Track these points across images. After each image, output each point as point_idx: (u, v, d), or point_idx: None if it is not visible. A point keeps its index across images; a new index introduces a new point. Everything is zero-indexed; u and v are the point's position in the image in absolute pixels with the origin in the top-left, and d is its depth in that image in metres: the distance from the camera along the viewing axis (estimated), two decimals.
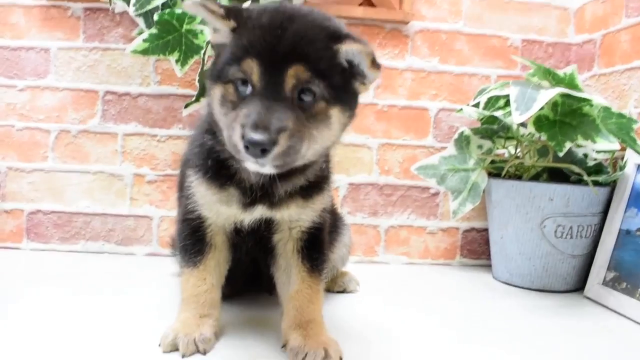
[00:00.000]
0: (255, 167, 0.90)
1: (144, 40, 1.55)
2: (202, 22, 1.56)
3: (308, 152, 0.93)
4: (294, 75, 0.90)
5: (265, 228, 1.12)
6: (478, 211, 1.92)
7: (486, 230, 1.97)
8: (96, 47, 1.84)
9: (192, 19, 1.54)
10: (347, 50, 0.91)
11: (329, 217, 1.17)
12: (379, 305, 1.45)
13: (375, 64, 0.92)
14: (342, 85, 0.94)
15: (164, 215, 1.87)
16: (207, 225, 1.13)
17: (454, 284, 1.75)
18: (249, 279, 1.32)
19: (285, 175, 1.01)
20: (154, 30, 1.54)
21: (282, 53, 0.89)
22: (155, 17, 1.53)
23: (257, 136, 0.85)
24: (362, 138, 1.91)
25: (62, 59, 1.84)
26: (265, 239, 1.14)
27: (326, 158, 1.09)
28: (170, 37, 1.55)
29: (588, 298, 1.61)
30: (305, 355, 1.02)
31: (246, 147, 0.86)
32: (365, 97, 1.90)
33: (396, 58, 1.92)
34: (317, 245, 1.14)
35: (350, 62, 0.93)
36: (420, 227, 1.96)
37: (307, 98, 0.91)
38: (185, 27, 1.55)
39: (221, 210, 1.09)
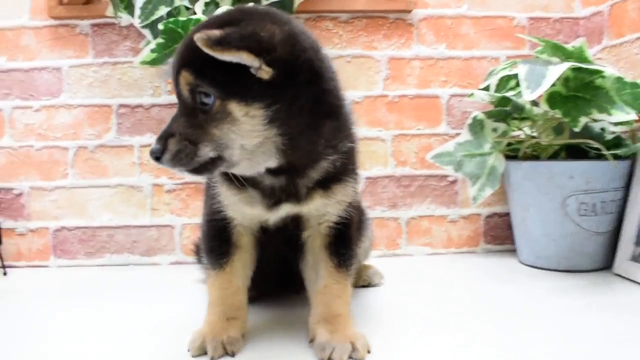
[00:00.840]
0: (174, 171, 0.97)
1: (152, 51, 1.57)
2: None
3: (226, 152, 0.93)
4: (183, 81, 0.93)
5: (293, 226, 1.12)
6: (498, 195, 1.90)
7: (508, 214, 1.95)
8: (106, 62, 1.87)
9: (197, 24, 1.55)
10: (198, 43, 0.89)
11: (355, 214, 1.16)
12: (405, 297, 1.44)
13: (212, 47, 0.87)
14: (235, 79, 0.90)
15: (186, 223, 1.89)
16: (232, 226, 1.13)
17: (479, 271, 1.73)
18: (276, 279, 1.32)
19: (295, 173, 1.02)
20: (160, 40, 1.56)
21: (175, 65, 0.96)
22: (160, 26, 1.55)
23: (153, 147, 0.94)
24: (375, 131, 1.91)
25: (74, 77, 1.87)
26: (293, 237, 1.14)
27: (340, 151, 1.05)
28: (177, 45, 1.57)
29: (618, 275, 1.58)
30: (333, 350, 1.02)
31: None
32: (374, 89, 1.90)
33: (402, 48, 1.91)
34: (345, 241, 1.14)
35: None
36: (441, 216, 1.95)
37: (206, 100, 0.92)
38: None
39: (245, 211, 1.10)
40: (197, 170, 0.95)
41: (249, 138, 0.93)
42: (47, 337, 1.22)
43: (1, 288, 1.65)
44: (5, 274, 1.79)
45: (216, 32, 0.88)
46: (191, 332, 1.10)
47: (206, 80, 0.91)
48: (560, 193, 1.62)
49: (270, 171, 1.01)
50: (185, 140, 0.93)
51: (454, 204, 1.95)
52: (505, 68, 1.60)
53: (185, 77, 0.93)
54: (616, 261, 1.61)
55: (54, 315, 1.37)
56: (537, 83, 1.35)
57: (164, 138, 0.94)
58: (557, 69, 1.36)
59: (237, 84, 0.90)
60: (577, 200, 1.61)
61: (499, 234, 1.98)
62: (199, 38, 0.87)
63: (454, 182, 1.95)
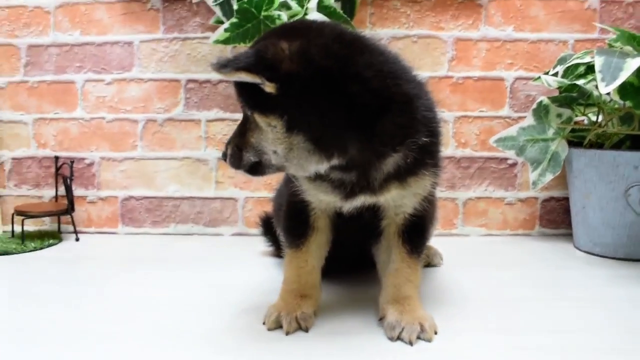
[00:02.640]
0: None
1: (226, 30, 1.61)
2: (280, 7, 1.60)
3: (263, 157, 1.04)
4: (237, 97, 1.07)
5: (369, 214, 1.15)
6: (557, 180, 1.89)
7: (565, 199, 1.95)
8: (176, 37, 1.91)
9: (270, 4, 1.58)
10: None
11: (430, 206, 1.19)
12: (463, 278, 1.48)
13: (219, 70, 0.96)
14: (255, 94, 0.98)
15: (248, 197, 1.96)
16: (310, 209, 1.19)
17: (535, 254, 1.75)
18: (349, 259, 1.37)
19: (362, 169, 1.06)
20: (234, 20, 1.59)
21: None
22: (235, 6, 1.57)
23: (222, 151, 1.11)
24: (440, 114, 1.91)
25: (144, 51, 1.92)
26: (369, 224, 1.18)
27: (410, 147, 1.06)
28: (250, 24, 1.60)
29: None
30: (402, 329, 1.07)
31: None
32: (439, 70, 1.91)
33: (470, 29, 1.89)
34: (418, 230, 1.18)
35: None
36: (499, 198, 1.97)
37: (248, 112, 1.04)
38: (263, 13, 1.59)
39: (321, 198, 1.15)
40: (250, 171, 1.07)
41: (275, 145, 1.00)
42: (114, 300, 1.30)
43: (74, 252, 1.75)
44: (77, 239, 1.89)
45: (226, 56, 1.03)
46: (258, 301, 1.18)
47: (242, 97, 1.03)
48: (623, 182, 1.61)
49: (336, 168, 1.05)
50: (235, 147, 1.06)
51: (512, 186, 1.96)
52: (578, 57, 1.58)
53: (236, 93, 1.06)
54: None
55: (121, 280, 1.46)
56: (614, 76, 1.34)
57: (227, 144, 1.09)
58: (635, 62, 1.34)
59: (257, 98, 0.98)
60: (639, 191, 1.60)
61: (555, 218, 1.99)
62: (211, 64, 0.98)
63: (513, 165, 1.95)
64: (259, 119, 1.00)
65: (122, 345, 1.05)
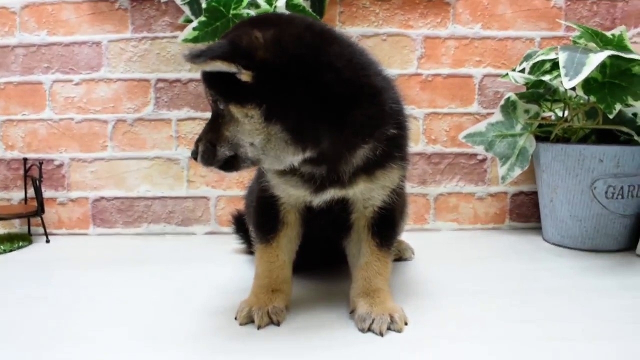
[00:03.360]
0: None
1: (194, 29, 1.60)
2: (248, 6, 1.60)
3: (239, 150, 1.02)
4: (206, 92, 1.05)
5: (339, 208, 1.16)
6: (526, 175, 1.93)
7: (534, 193, 1.99)
8: (145, 37, 1.90)
9: (239, 3, 1.58)
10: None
11: (399, 199, 1.20)
12: (435, 271, 1.50)
13: (193, 60, 0.94)
14: (231, 85, 0.97)
15: (220, 195, 1.95)
16: (280, 204, 1.19)
17: (506, 247, 1.78)
18: (319, 253, 1.37)
19: (332, 162, 1.06)
20: (203, 18, 1.59)
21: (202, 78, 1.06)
22: (203, 4, 1.57)
23: (192, 149, 1.09)
24: (408, 109, 1.93)
25: (113, 51, 1.91)
26: (339, 218, 1.19)
27: (379, 138, 1.07)
28: (219, 23, 1.60)
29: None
30: (373, 321, 1.08)
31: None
32: (409, 67, 1.93)
33: (438, 27, 1.92)
34: (388, 223, 1.19)
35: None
36: (469, 193, 1.99)
37: (221, 106, 1.02)
38: (231, 12, 1.59)
39: (290, 192, 1.15)
40: (223, 167, 1.05)
41: (252, 136, 1.00)
42: (87, 302, 1.28)
43: (44, 254, 1.73)
44: (48, 241, 1.86)
45: (199, 46, 0.98)
46: (232, 299, 1.17)
47: (213, 89, 1.02)
48: (589, 175, 1.65)
49: (307, 162, 1.05)
50: (207, 143, 1.04)
51: (482, 181, 1.99)
52: (543, 53, 1.61)
53: (205, 88, 1.05)
54: None
55: (93, 282, 1.44)
56: (577, 71, 1.37)
57: (197, 141, 1.07)
58: (597, 57, 1.37)
59: (232, 89, 0.97)
60: (605, 184, 1.64)
61: (525, 212, 2.02)
62: (183, 54, 0.96)
63: (483, 160, 1.98)
64: (235, 110, 0.99)
65: (94, 347, 1.03)
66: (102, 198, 1.96)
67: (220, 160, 1.04)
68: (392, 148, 1.10)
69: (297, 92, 0.97)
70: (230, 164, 1.04)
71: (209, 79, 1.02)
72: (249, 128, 0.99)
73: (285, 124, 0.98)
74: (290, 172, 1.11)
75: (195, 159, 1.07)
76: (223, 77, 0.96)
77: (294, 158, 1.02)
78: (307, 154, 1.02)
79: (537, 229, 1.95)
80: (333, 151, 1.04)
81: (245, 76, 0.95)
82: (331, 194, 1.12)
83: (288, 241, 1.21)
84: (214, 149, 1.03)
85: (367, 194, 1.14)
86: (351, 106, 1.01)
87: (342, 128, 1.01)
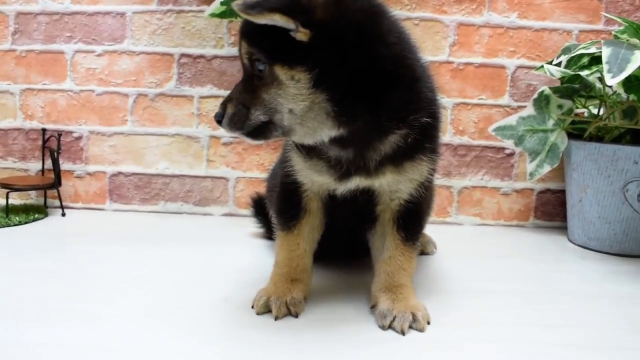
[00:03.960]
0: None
1: (222, 3, 1.56)
2: None
3: (276, 116, 0.95)
4: (243, 51, 0.97)
5: (364, 199, 1.12)
6: (554, 172, 1.87)
7: (561, 191, 1.93)
8: (170, 9, 1.85)
9: None
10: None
11: (427, 193, 1.16)
12: (457, 268, 1.46)
13: (247, 11, 0.88)
14: (280, 43, 0.91)
15: (240, 177, 1.91)
16: (302, 191, 1.14)
17: (529, 246, 1.73)
18: (342, 244, 1.33)
19: (361, 145, 1.02)
20: None
21: (238, 35, 1.00)
22: None
23: (217, 112, 1.00)
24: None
25: (137, 23, 1.86)
26: (364, 209, 1.15)
27: (412, 125, 1.02)
28: None
29: None
30: (394, 318, 1.04)
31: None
32: (440, 54, 1.86)
33: (473, 14, 1.85)
34: (414, 217, 1.14)
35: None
36: (494, 188, 1.94)
37: (260, 67, 0.94)
38: None
39: (314, 178, 1.11)
40: (252, 134, 0.98)
41: (295, 102, 0.93)
42: (98, 278, 1.27)
43: (60, 228, 1.71)
44: (63, 214, 1.85)
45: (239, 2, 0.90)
46: (248, 283, 1.16)
47: (256, 47, 0.94)
48: (622, 177, 1.59)
49: (335, 142, 1.01)
50: (240, 105, 0.97)
51: (508, 176, 1.93)
52: (584, 47, 1.54)
53: (244, 46, 0.97)
54: None
55: (106, 258, 1.43)
56: (621, 68, 1.31)
57: (224, 103, 0.99)
58: None
59: (281, 48, 0.91)
60: (638, 186, 1.58)
61: (550, 210, 1.96)
62: (235, 4, 0.89)
63: (511, 155, 1.92)
64: (281, 72, 0.92)
65: (106, 324, 1.01)
66: (120, 173, 1.93)
67: (253, 124, 0.97)
68: (423, 138, 1.05)
69: (350, 61, 0.92)
70: (261, 130, 0.98)
71: (253, 35, 0.95)
72: (293, 92, 0.93)
73: (332, 93, 0.93)
74: (317, 156, 1.07)
75: (220, 122, 0.99)
76: (272, 34, 0.90)
77: (329, 132, 0.97)
78: (341, 131, 0.97)
79: (562, 228, 1.90)
80: (365, 133, 1.00)
81: (302, 34, 0.89)
82: (356, 182, 1.07)
83: (310, 230, 1.17)
84: (247, 112, 0.96)
85: (394, 186, 1.10)
86: (392, 86, 0.97)
87: (379, 109, 0.97)
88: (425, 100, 1.03)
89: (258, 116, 0.96)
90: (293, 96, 0.93)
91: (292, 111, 0.95)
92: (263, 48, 0.94)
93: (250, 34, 0.95)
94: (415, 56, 1.03)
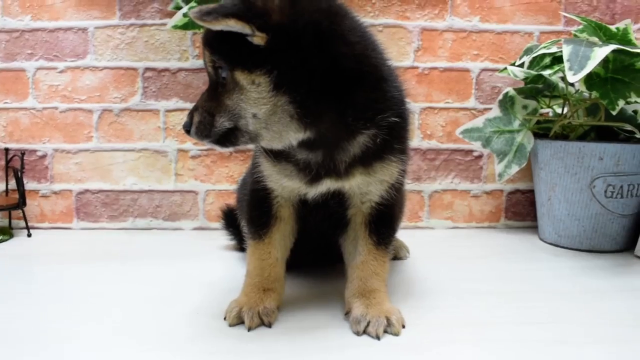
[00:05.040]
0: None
1: (184, 15, 1.54)
2: None
3: (240, 122, 0.96)
4: (206, 59, 0.98)
5: (335, 202, 1.11)
6: (522, 172, 1.90)
7: (531, 191, 1.95)
8: (133, 23, 1.83)
9: None
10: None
11: (398, 195, 1.15)
12: (430, 271, 1.46)
13: (203, 18, 0.88)
14: (239, 49, 0.91)
15: (210, 190, 1.89)
16: (273, 197, 1.13)
17: (501, 246, 1.74)
18: (314, 251, 1.32)
19: (330, 147, 1.01)
20: (193, 4, 1.53)
21: (201, 44, 1.00)
22: None
23: (184, 121, 1.01)
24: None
25: (99, 38, 1.84)
26: (335, 214, 1.14)
27: (380, 125, 1.02)
28: None
29: (638, 257, 1.60)
30: (368, 323, 1.03)
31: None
32: (405, 60, 1.88)
33: (436, 19, 1.87)
34: (386, 220, 1.14)
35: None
36: (464, 190, 1.95)
37: (223, 74, 0.95)
38: None
39: (284, 183, 1.10)
40: (219, 141, 0.98)
41: (257, 106, 0.93)
42: (70, 298, 1.23)
43: (26, 248, 1.67)
44: (29, 235, 1.80)
45: (210, 5, 0.90)
46: (222, 297, 1.13)
47: (217, 54, 0.95)
48: (588, 174, 1.61)
49: (304, 145, 1.00)
50: (205, 113, 0.97)
51: (477, 179, 1.95)
52: (545, 47, 1.57)
53: (206, 54, 0.97)
54: (638, 243, 1.62)
55: (76, 278, 1.38)
56: (581, 65, 1.33)
57: (191, 112, 1.00)
58: (603, 51, 1.33)
59: (240, 53, 0.91)
60: (604, 182, 1.60)
61: (520, 210, 1.99)
62: (192, 12, 0.89)
63: (479, 157, 1.94)
64: (241, 77, 0.92)
65: (78, 345, 0.98)
66: (87, 191, 1.89)
67: (218, 132, 0.96)
68: (392, 138, 1.04)
69: (310, 62, 0.92)
70: (228, 137, 0.97)
71: (213, 42, 0.95)
72: (255, 96, 0.92)
73: (294, 95, 0.92)
74: (285, 160, 1.06)
75: (188, 131, 0.99)
76: (230, 40, 0.90)
77: (296, 136, 0.97)
78: (308, 134, 0.97)
79: (533, 228, 1.92)
80: (332, 134, 0.99)
81: (258, 39, 0.89)
82: (327, 185, 1.06)
83: (281, 237, 1.16)
84: (212, 119, 0.96)
85: (365, 188, 1.09)
86: (357, 85, 0.97)
87: (344, 108, 0.97)
88: (392, 99, 1.03)
89: (223, 123, 0.96)
90: (255, 100, 0.93)
91: (256, 115, 0.94)
92: (223, 54, 0.94)
93: (211, 41, 0.95)
94: (380, 56, 1.03)
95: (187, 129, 0.99)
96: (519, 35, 1.90)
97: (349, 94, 0.97)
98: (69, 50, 1.84)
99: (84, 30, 1.83)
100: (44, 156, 1.88)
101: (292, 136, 0.97)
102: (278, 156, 1.06)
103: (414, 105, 1.89)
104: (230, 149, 1.02)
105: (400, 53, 1.88)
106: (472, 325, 1.09)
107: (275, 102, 0.93)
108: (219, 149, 1.01)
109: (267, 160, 1.09)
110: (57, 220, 1.90)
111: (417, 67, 1.89)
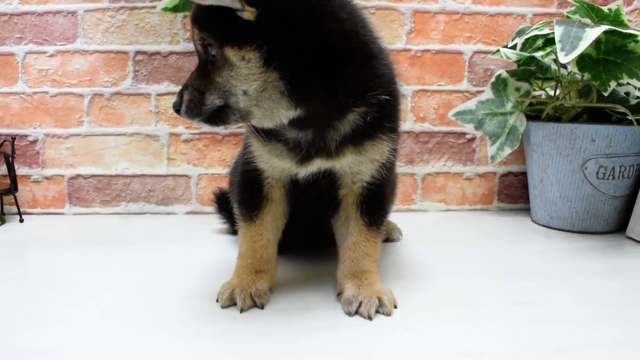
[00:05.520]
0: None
1: None
2: None
3: (231, 99, 0.95)
4: (195, 37, 0.96)
5: (326, 182, 1.11)
6: (515, 155, 1.90)
7: (523, 174, 1.96)
8: (123, 6, 1.81)
9: None
10: None
11: (390, 175, 1.15)
12: (423, 253, 1.46)
13: None
14: (228, 25, 0.91)
15: (202, 174, 1.89)
16: (264, 178, 1.13)
17: (494, 228, 1.75)
18: (306, 232, 1.32)
19: (320, 125, 1.01)
20: None
21: (190, 23, 0.99)
22: None
23: (174, 101, 1.00)
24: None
25: (89, 21, 1.82)
26: (327, 194, 1.14)
27: (370, 103, 1.02)
28: None
29: (630, 238, 1.61)
30: (360, 304, 1.04)
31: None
32: (397, 42, 1.87)
33: (429, 1, 1.86)
34: (377, 200, 1.14)
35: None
36: (457, 173, 1.95)
37: (213, 51, 0.94)
38: None
39: (275, 163, 1.09)
40: (210, 119, 0.97)
41: (248, 82, 0.93)
42: (63, 284, 1.22)
43: (18, 234, 1.66)
44: (21, 220, 1.79)
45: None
46: (216, 280, 1.13)
47: (206, 31, 0.94)
48: (580, 155, 1.62)
49: (294, 124, 1.00)
50: (195, 91, 0.97)
51: (470, 161, 1.95)
52: (537, 28, 1.56)
53: (195, 32, 0.96)
54: (630, 224, 1.63)
55: (69, 263, 1.38)
56: (573, 46, 1.33)
57: (181, 91, 0.99)
58: (594, 32, 1.33)
59: (230, 29, 0.90)
60: (596, 164, 1.61)
61: (513, 192, 1.99)
62: None
63: (472, 139, 1.94)
64: (231, 53, 0.91)
65: (71, 329, 0.98)
66: (79, 176, 1.88)
67: (209, 110, 0.95)
68: (383, 117, 1.04)
69: (299, 37, 0.91)
70: (218, 115, 0.96)
71: (202, 20, 0.94)
72: (245, 72, 0.92)
73: (284, 71, 0.92)
74: (275, 139, 1.06)
75: (178, 111, 0.98)
76: (219, 17, 0.90)
77: (286, 113, 0.96)
78: (298, 111, 0.96)
79: (526, 210, 1.92)
80: (322, 112, 0.99)
81: (248, 13, 0.88)
82: (317, 164, 1.06)
83: (273, 219, 1.15)
84: (202, 97, 0.95)
85: (356, 168, 1.09)
86: (347, 62, 0.96)
87: (335, 85, 0.97)
88: (382, 77, 1.03)
89: (213, 100, 0.95)
90: (245, 77, 0.92)
91: (246, 92, 0.94)
92: (212, 31, 0.93)
93: (200, 19, 0.94)
94: (370, 34, 1.03)
95: (177, 108, 0.99)
96: (512, 17, 1.89)
97: (339, 71, 0.96)
98: (58, 34, 1.82)
99: (73, 13, 1.81)
100: (35, 141, 1.86)
101: (282, 114, 0.96)
102: (269, 135, 1.05)
103: (406, 88, 1.89)
104: (221, 128, 1.00)
105: (392, 35, 1.86)
106: (464, 306, 1.09)
107: (265, 78, 0.92)
108: (209, 127, 1.00)
109: (257, 140, 1.09)
110: (49, 206, 1.89)
111: (409, 50, 1.88)
